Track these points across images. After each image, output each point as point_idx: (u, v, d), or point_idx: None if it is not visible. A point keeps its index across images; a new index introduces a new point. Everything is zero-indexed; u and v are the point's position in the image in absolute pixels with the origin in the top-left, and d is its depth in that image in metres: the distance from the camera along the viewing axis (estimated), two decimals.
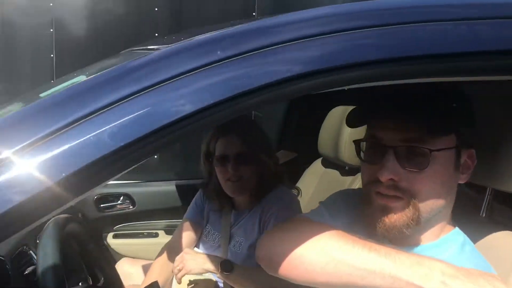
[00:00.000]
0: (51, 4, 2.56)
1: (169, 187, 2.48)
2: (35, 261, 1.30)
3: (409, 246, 0.85)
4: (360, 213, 0.92)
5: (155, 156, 3.42)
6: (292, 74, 0.61)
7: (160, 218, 2.45)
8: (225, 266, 1.45)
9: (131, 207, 2.45)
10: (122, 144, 0.54)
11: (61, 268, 0.88)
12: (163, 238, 2.35)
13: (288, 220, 0.94)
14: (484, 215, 1.15)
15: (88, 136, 0.54)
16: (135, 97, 0.56)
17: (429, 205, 0.82)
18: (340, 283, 0.78)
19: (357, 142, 0.90)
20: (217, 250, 1.70)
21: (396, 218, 0.81)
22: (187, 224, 1.82)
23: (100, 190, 2.40)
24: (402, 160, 0.80)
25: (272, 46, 0.62)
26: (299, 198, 1.80)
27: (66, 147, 0.53)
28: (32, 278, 1.25)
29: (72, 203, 0.60)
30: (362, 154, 0.89)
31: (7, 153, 0.52)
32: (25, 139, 0.53)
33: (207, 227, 1.78)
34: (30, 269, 1.27)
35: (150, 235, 2.43)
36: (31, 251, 1.30)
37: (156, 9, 2.64)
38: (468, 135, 0.87)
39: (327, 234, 0.81)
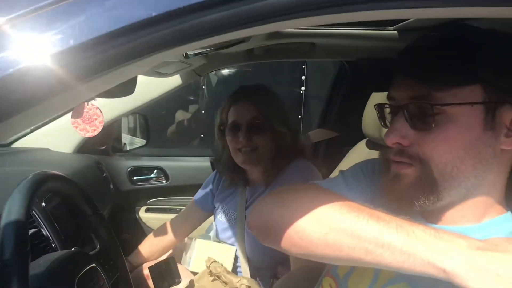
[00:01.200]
0: None
1: (203, 163, 2.39)
2: (38, 223, 1.24)
3: (442, 225, 0.72)
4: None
5: (202, 135, 3.39)
6: None
7: (193, 195, 2.36)
8: None
9: (164, 181, 2.38)
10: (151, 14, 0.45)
11: (24, 226, 0.79)
12: None
13: (291, 186, 0.80)
14: None
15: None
16: None
17: (447, 175, 0.68)
18: (341, 257, 0.65)
19: (379, 106, 0.79)
20: (234, 228, 1.59)
21: (405, 188, 0.70)
22: (191, 207, 1.80)
23: (133, 162, 2.36)
24: (412, 120, 0.69)
25: None
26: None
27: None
28: (34, 240, 1.19)
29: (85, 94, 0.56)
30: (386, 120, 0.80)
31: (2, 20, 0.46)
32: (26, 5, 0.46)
33: (222, 206, 1.68)
34: (32, 231, 1.21)
35: None
36: (34, 213, 1.24)
37: None
38: None
39: (330, 201, 0.68)
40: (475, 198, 0.71)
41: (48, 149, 2.06)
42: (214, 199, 1.73)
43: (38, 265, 0.87)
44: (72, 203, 1.05)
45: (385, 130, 1.77)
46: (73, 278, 0.88)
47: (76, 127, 1.42)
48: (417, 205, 0.69)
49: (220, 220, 1.67)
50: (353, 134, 2.16)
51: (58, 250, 1.13)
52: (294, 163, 1.50)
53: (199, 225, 1.80)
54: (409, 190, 0.69)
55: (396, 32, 1.81)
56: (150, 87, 2.03)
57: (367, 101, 1.99)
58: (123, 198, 2.30)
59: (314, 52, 1.97)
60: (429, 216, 0.73)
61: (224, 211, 1.66)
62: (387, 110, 0.78)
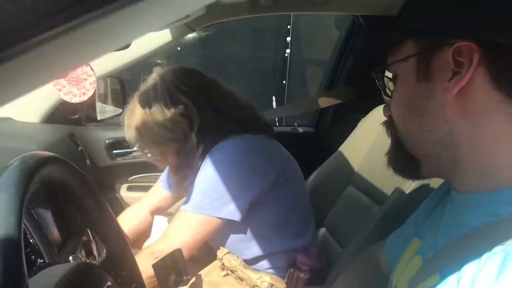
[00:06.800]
0: None
1: None
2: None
3: (462, 192, 0.64)
4: None
5: None
6: None
7: None
8: None
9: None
10: None
11: (19, 245, 0.49)
12: None
13: None
14: None
15: None
16: None
17: (404, 134, 0.68)
18: None
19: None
20: None
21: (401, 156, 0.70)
22: (155, 186, 1.78)
23: (112, 134, 2.02)
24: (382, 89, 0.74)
25: None
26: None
27: None
28: None
29: None
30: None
31: None
32: None
33: None
34: None
35: None
36: None
37: None
38: (450, 25, 0.60)
39: None
40: (463, 158, 0.62)
41: (10, 119, 1.70)
42: None
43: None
44: (75, 193, 0.74)
45: None
46: None
47: (60, 89, 1.09)
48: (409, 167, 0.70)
49: None
50: (366, 99, 1.93)
51: (46, 259, 0.82)
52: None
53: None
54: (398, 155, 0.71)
55: None
56: (138, 42, 1.70)
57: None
58: (101, 175, 1.98)
59: (329, 4, 1.70)
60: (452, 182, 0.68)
61: None
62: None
